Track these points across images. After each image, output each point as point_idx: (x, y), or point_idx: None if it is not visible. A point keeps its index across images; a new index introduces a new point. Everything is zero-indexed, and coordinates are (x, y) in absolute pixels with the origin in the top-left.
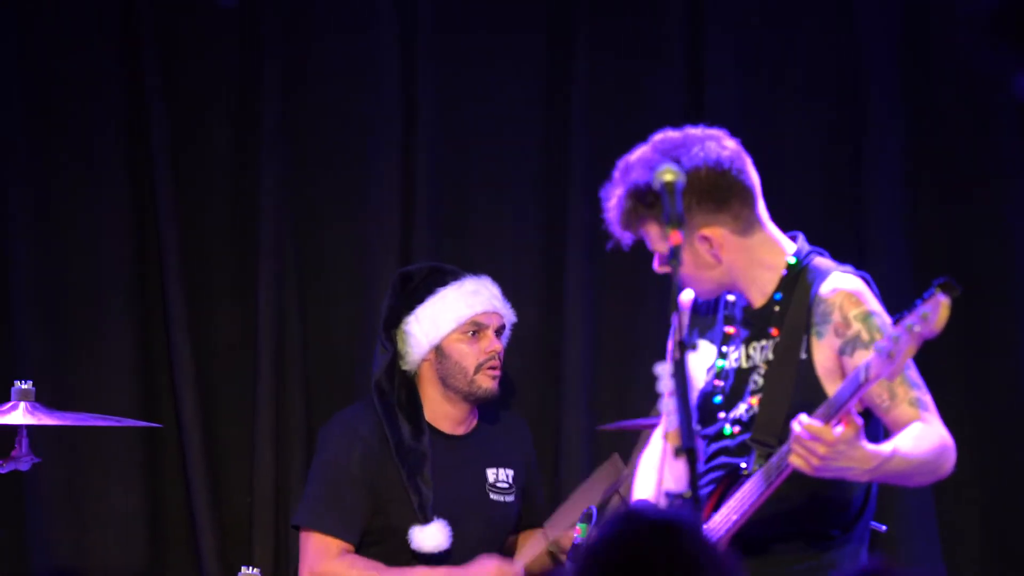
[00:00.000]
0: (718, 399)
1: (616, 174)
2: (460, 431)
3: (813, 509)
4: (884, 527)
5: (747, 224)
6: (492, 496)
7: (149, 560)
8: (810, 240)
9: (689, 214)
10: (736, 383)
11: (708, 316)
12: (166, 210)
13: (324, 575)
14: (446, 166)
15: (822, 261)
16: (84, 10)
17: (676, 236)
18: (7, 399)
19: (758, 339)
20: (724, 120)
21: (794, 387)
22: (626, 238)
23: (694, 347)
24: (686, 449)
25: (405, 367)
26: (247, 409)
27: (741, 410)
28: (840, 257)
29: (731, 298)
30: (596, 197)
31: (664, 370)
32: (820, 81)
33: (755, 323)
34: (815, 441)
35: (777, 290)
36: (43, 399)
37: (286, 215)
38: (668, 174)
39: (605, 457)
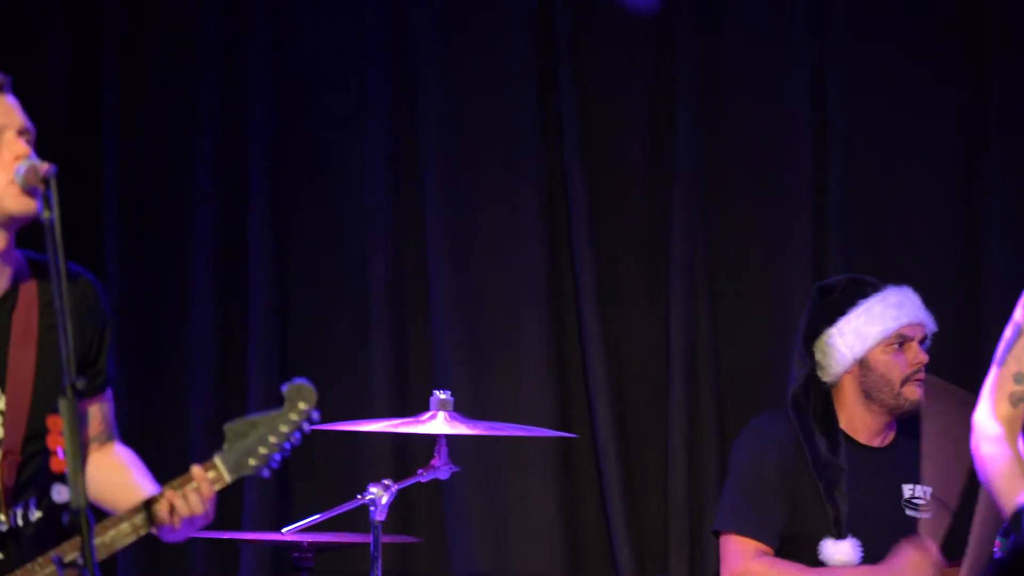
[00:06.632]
0: None
1: None
2: (877, 443)
3: None
4: None
5: None
6: (908, 512)
7: (566, 568)
8: None
9: None
10: None
11: None
12: (580, 224)
13: (745, 574)
14: (857, 179)
15: None
16: (499, 13)
17: None
18: (427, 409)
19: None
20: None
21: None
22: None
23: None
24: None
25: (824, 380)
26: (660, 420)
27: None
28: None
29: None
30: (1015, 202)
31: None
32: None
33: None
34: None
35: None
36: (461, 409)
37: (698, 229)
38: None
39: None
